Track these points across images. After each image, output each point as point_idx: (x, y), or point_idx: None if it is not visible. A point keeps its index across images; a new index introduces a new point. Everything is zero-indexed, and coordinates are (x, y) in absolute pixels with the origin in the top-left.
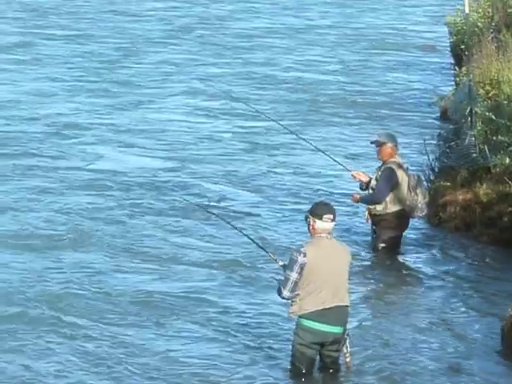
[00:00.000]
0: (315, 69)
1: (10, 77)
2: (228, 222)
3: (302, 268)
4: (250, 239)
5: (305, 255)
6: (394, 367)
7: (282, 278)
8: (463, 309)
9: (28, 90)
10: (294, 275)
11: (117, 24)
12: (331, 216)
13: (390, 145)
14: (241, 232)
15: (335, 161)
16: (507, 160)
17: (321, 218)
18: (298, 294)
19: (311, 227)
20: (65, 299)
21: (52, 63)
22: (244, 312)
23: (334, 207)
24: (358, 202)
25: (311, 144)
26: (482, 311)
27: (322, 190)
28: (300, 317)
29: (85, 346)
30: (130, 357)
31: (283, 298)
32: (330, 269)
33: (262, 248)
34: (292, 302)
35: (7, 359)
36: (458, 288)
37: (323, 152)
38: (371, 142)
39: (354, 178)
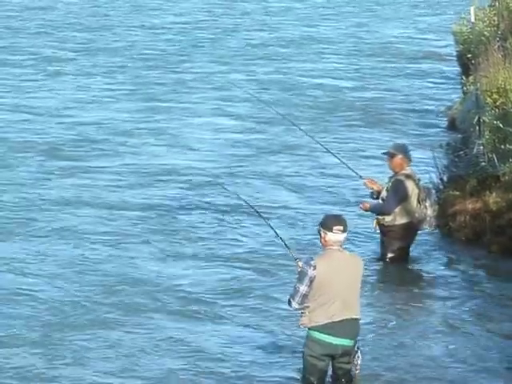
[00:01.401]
0: (326, 77)
1: (52, 86)
2: (262, 217)
3: (311, 281)
4: (277, 235)
5: (314, 268)
6: (405, 377)
7: (292, 290)
8: (475, 318)
9: (72, 97)
10: (303, 288)
11: (145, 35)
12: (341, 227)
13: (400, 156)
14: (270, 227)
15: (349, 167)
16: None
17: (331, 230)
18: (307, 306)
19: (323, 240)
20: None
21: (93, 73)
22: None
23: (346, 216)
24: (367, 210)
25: (328, 149)
26: (495, 320)
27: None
28: (310, 329)
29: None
30: (167, 350)
31: (293, 309)
32: (340, 281)
33: (286, 247)
34: (302, 313)
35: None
36: (470, 297)
37: (338, 158)
38: (383, 153)
39: (366, 186)
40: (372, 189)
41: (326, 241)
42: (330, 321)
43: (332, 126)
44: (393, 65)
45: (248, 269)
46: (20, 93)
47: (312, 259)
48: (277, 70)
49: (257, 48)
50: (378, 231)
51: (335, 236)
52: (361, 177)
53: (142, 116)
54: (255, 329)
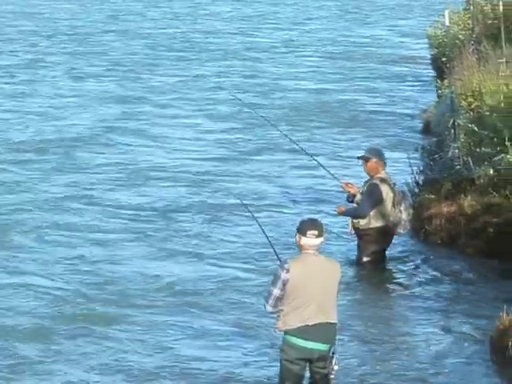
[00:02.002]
0: (304, 80)
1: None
2: (253, 216)
3: (284, 284)
4: (264, 234)
5: (288, 271)
6: (380, 379)
7: (267, 292)
8: (451, 320)
9: (56, 101)
10: (276, 291)
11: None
12: (315, 232)
13: (375, 160)
14: (259, 225)
15: (326, 170)
16: (491, 171)
17: (305, 235)
18: (281, 310)
19: (298, 243)
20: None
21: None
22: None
23: (326, 217)
24: (341, 214)
25: (309, 153)
26: (470, 322)
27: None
28: (285, 333)
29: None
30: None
31: (267, 312)
32: (315, 285)
33: (271, 246)
34: (277, 317)
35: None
36: (445, 299)
37: (317, 161)
38: (358, 157)
39: (343, 189)
40: (348, 192)
41: (301, 245)
42: (303, 324)
43: (310, 127)
44: (369, 68)
45: (240, 267)
46: (4, 96)
47: (286, 262)
48: (257, 73)
49: (237, 52)
50: (354, 235)
51: (309, 240)
52: (338, 179)
53: (128, 118)
54: (247, 328)
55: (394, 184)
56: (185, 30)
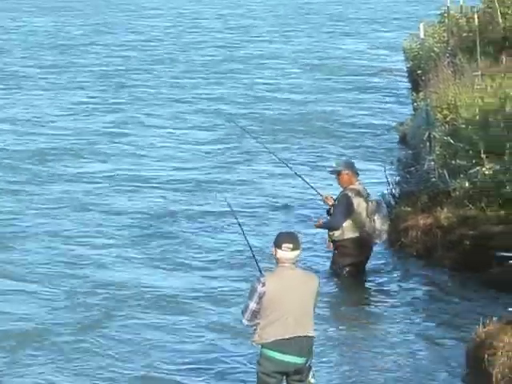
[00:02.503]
0: (283, 91)
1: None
2: (240, 226)
3: (260, 297)
4: (249, 246)
5: (264, 285)
6: None
7: (243, 306)
8: (426, 333)
9: (46, 111)
10: (252, 304)
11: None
12: (290, 245)
13: (346, 172)
14: (244, 237)
15: (311, 186)
16: (466, 183)
17: (280, 248)
18: (258, 323)
19: (274, 257)
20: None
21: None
22: None
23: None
24: (318, 227)
25: (287, 165)
26: (446, 335)
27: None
28: (262, 346)
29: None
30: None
31: (244, 325)
32: (291, 299)
33: (253, 255)
34: (254, 330)
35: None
36: (421, 312)
37: (299, 175)
38: (330, 172)
39: (325, 202)
40: (328, 205)
41: (277, 258)
42: (280, 338)
43: (289, 137)
44: (347, 80)
45: (228, 275)
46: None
47: (262, 276)
48: (238, 85)
49: (220, 63)
50: (332, 248)
51: (284, 253)
52: (319, 193)
53: (117, 128)
54: (233, 337)
55: (368, 194)
56: (168, 43)
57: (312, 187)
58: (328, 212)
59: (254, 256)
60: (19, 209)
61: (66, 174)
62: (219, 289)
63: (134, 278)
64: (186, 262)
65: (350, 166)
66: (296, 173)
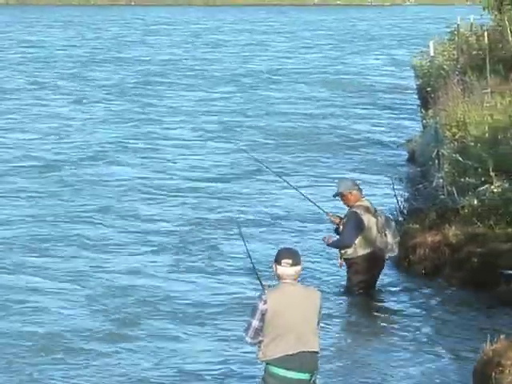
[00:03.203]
0: (295, 107)
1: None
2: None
3: (263, 315)
4: (249, 257)
5: (265, 302)
6: None
7: (246, 324)
8: (434, 351)
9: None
10: (254, 322)
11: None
12: (290, 261)
13: (348, 191)
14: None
15: (312, 202)
16: (475, 201)
17: (280, 263)
18: (262, 341)
19: (275, 273)
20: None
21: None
22: None
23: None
24: (329, 245)
25: (291, 185)
26: (454, 354)
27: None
28: (266, 363)
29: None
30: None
31: (247, 343)
32: (293, 315)
33: (257, 275)
34: (258, 348)
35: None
36: (428, 329)
37: (303, 194)
38: (334, 196)
39: (331, 221)
40: (335, 224)
41: (278, 274)
42: (283, 354)
43: (298, 151)
44: (358, 96)
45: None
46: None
47: (264, 293)
48: (252, 98)
49: (234, 77)
50: (345, 266)
51: (284, 269)
52: (325, 212)
53: (140, 140)
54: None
55: (376, 209)
56: (183, 57)
57: (318, 206)
58: (336, 231)
59: (254, 268)
60: (48, 214)
61: (92, 181)
62: (238, 295)
63: (159, 285)
64: (211, 269)
65: (352, 185)
66: (302, 193)
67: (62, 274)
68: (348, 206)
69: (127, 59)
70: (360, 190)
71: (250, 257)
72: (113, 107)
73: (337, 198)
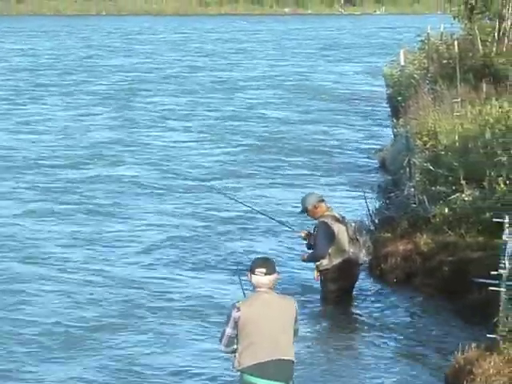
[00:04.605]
0: (267, 113)
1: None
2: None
3: (236, 323)
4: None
5: (238, 310)
6: None
7: (221, 332)
8: (406, 360)
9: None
10: (228, 330)
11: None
12: (263, 270)
13: (311, 205)
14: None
15: (280, 222)
16: (446, 210)
17: (254, 272)
18: (236, 349)
19: (250, 282)
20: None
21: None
22: None
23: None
24: (305, 261)
25: (253, 209)
26: (426, 362)
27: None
28: (241, 371)
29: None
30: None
31: (222, 351)
32: (267, 323)
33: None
34: (233, 356)
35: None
36: (400, 337)
37: (271, 217)
38: (299, 213)
39: (302, 238)
40: (304, 238)
41: (252, 283)
42: (257, 362)
43: (270, 160)
44: (329, 105)
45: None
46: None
47: (238, 301)
48: (228, 105)
49: (212, 85)
50: (320, 279)
51: (258, 278)
52: (295, 231)
53: (129, 142)
54: None
55: (343, 217)
56: (165, 66)
57: (284, 224)
58: (308, 247)
59: (238, 275)
60: (55, 213)
61: (96, 180)
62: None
63: (163, 280)
64: (216, 264)
65: (314, 198)
66: (271, 216)
67: (60, 268)
68: (315, 219)
69: (114, 67)
70: (324, 201)
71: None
72: (102, 112)
73: (303, 214)
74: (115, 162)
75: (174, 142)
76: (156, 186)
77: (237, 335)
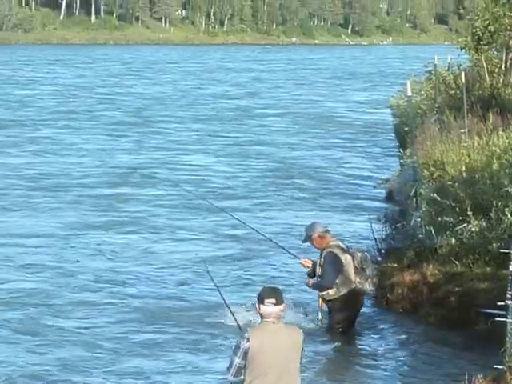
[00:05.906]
0: (273, 144)
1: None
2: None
3: (245, 353)
4: (225, 303)
5: (248, 340)
6: None
7: (229, 362)
8: None
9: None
10: (237, 360)
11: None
12: (273, 300)
13: (316, 234)
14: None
15: (284, 249)
16: (453, 240)
17: (263, 303)
18: (244, 379)
19: (258, 312)
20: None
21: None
22: None
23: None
24: (310, 287)
25: (260, 233)
26: None
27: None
28: None
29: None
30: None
31: (229, 381)
32: (276, 353)
33: (232, 314)
34: None
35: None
36: (406, 368)
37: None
38: (303, 241)
39: (303, 265)
40: (308, 267)
41: (260, 313)
42: None
43: (276, 190)
44: (337, 134)
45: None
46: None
47: (246, 331)
48: (236, 133)
49: (218, 113)
50: (326, 307)
51: (267, 308)
52: (297, 257)
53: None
54: None
55: (348, 247)
56: (171, 93)
57: (289, 252)
58: (309, 275)
59: (229, 308)
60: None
61: (122, 198)
62: None
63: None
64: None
65: (318, 226)
66: (269, 238)
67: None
68: (320, 248)
69: (140, 94)
70: (328, 231)
71: (219, 292)
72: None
73: (307, 243)
74: (138, 183)
75: (192, 164)
76: (174, 203)
77: (245, 365)
